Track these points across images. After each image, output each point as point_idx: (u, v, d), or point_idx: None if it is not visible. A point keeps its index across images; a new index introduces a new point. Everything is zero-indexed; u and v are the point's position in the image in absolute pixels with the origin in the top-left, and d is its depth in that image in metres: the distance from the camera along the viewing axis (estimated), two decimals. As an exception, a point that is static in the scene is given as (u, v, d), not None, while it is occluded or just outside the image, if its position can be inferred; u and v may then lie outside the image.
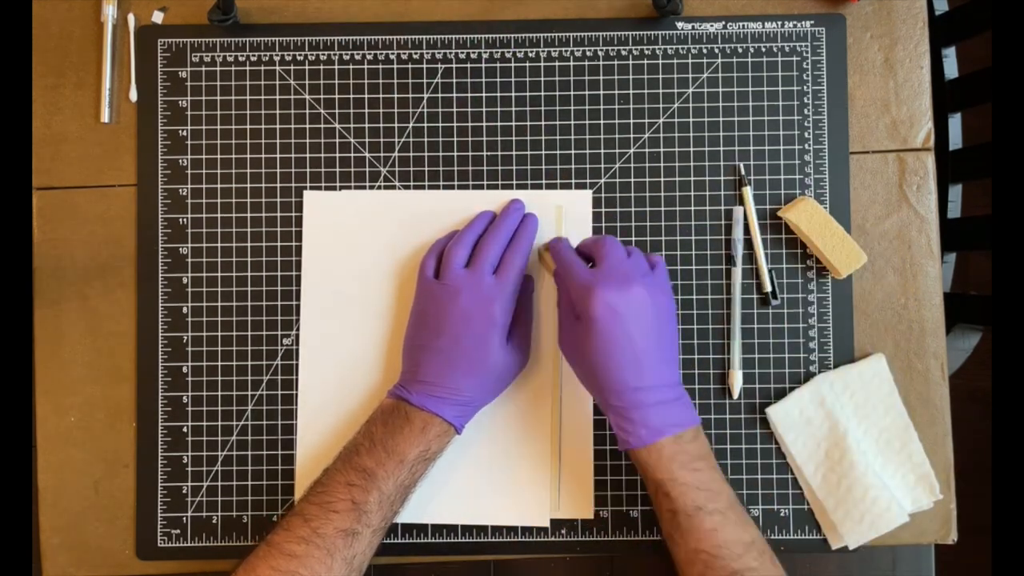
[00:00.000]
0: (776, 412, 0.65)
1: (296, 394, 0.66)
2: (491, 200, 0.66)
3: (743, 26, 0.67)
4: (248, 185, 0.67)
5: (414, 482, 0.58)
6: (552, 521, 0.65)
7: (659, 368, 0.56)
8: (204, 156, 0.67)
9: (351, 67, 0.67)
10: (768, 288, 0.65)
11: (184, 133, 0.67)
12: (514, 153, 0.67)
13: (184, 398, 0.66)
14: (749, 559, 0.53)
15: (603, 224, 0.66)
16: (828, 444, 0.64)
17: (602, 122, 0.67)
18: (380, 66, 0.67)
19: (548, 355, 0.65)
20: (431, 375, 0.59)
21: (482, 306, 0.59)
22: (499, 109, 0.67)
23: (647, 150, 0.67)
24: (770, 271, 0.65)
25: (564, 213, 0.66)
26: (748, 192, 0.66)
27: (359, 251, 0.66)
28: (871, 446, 0.65)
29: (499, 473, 0.65)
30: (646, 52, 0.67)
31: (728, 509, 0.55)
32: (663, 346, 0.57)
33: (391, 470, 0.56)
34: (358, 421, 0.61)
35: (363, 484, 0.55)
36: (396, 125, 0.67)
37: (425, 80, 0.67)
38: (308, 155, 0.67)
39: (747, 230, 0.66)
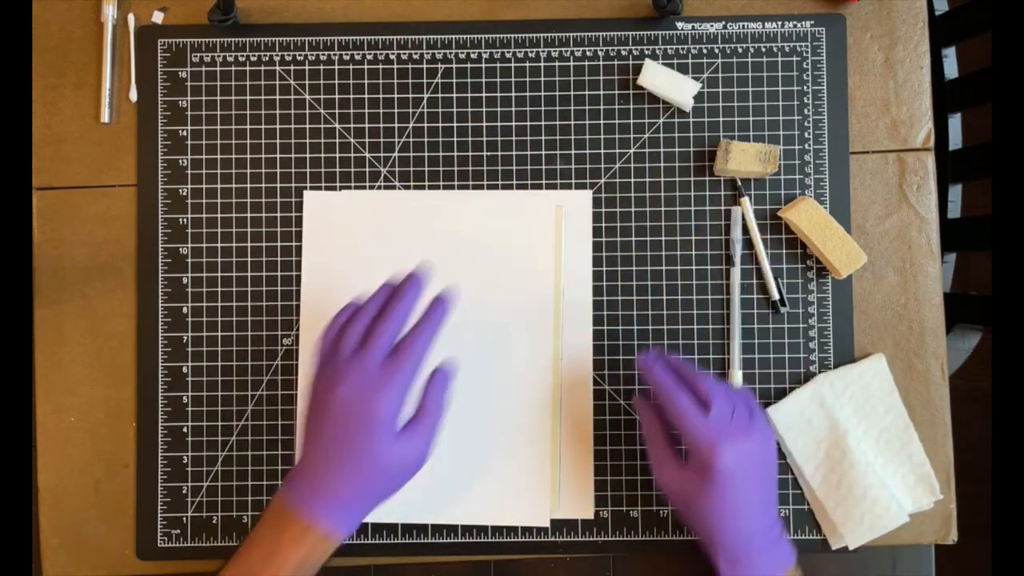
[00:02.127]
0: (776, 412, 0.65)
1: (296, 394, 0.66)
2: (491, 200, 0.66)
3: (743, 26, 0.67)
4: (248, 185, 0.67)
5: None
6: (552, 521, 0.65)
7: (771, 508, 0.57)
8: (204, 156, 0.67)
9: (351, 67, 0.67)
10: (775, 296, 0.65)
11: (184, 133, 0.67)
12: (514, 153, 0.67)
13: (184, 398, 0.66)
14: None
15: (603, 224, 0.66)
16: (828, 444, 0.64)
17: (602, 122, 0.67)
18: (380, 66, 0.67)
19: (548, 356, 0.65)
20: (309, 470, 0.53)
21: (364, 398, 0.52)
22: (499, 109, 0.67)
23: (647, 150, 0.67)
24: (776, 279, 0.65)
25: (564, 213, 0.66)
26: (747, 203, 0.66)
27: (359, 251, 0.66)
28: (871, 446, 0.65)
29: (499, 473, 0.65)
30: (646, 52, 0.67)
31: None
32: (771, 488, 0.58)
33: None
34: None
35: None
36: (396, 125, 0.67)
37: (425, 80, 0.67)
38: (308, 155, 0.67)
39: (747, 232, 0.66)
